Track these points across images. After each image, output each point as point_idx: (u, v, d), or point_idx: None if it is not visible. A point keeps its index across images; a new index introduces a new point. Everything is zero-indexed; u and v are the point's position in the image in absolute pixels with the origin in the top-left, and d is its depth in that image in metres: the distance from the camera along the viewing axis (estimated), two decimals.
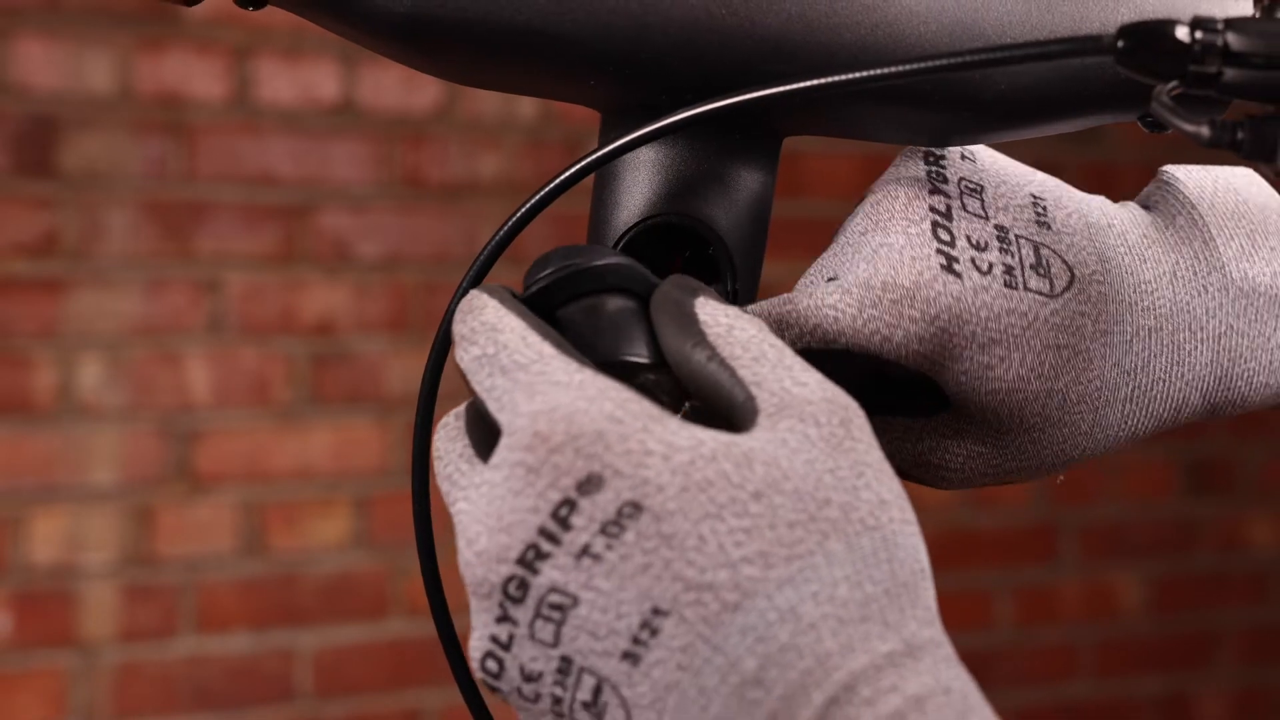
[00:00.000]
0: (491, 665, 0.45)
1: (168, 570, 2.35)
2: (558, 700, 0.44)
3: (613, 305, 0.49)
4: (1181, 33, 0.46)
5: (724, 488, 0.42)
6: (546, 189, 0.53)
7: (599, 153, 0.53)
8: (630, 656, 0.42)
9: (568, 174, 0.53)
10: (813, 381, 0.46)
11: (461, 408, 0.50)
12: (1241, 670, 3.05)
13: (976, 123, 0.57)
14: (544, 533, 0.43)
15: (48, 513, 2.29)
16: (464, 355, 0.48)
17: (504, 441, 0.45)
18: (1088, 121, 0.59)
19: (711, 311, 0.48)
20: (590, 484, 0.43)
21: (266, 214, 2.41)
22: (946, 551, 2.76)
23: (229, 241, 2.39)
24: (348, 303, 2.45)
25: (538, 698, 0.44)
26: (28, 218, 2.29)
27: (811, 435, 0.44)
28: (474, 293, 0.50)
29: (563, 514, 0.43)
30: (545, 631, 0.43)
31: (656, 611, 0.42)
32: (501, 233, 0.54)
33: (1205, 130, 0.45)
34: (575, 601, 0.43)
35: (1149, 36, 0.47)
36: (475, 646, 0.45)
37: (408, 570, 2.48)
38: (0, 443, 2.27)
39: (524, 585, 0.43)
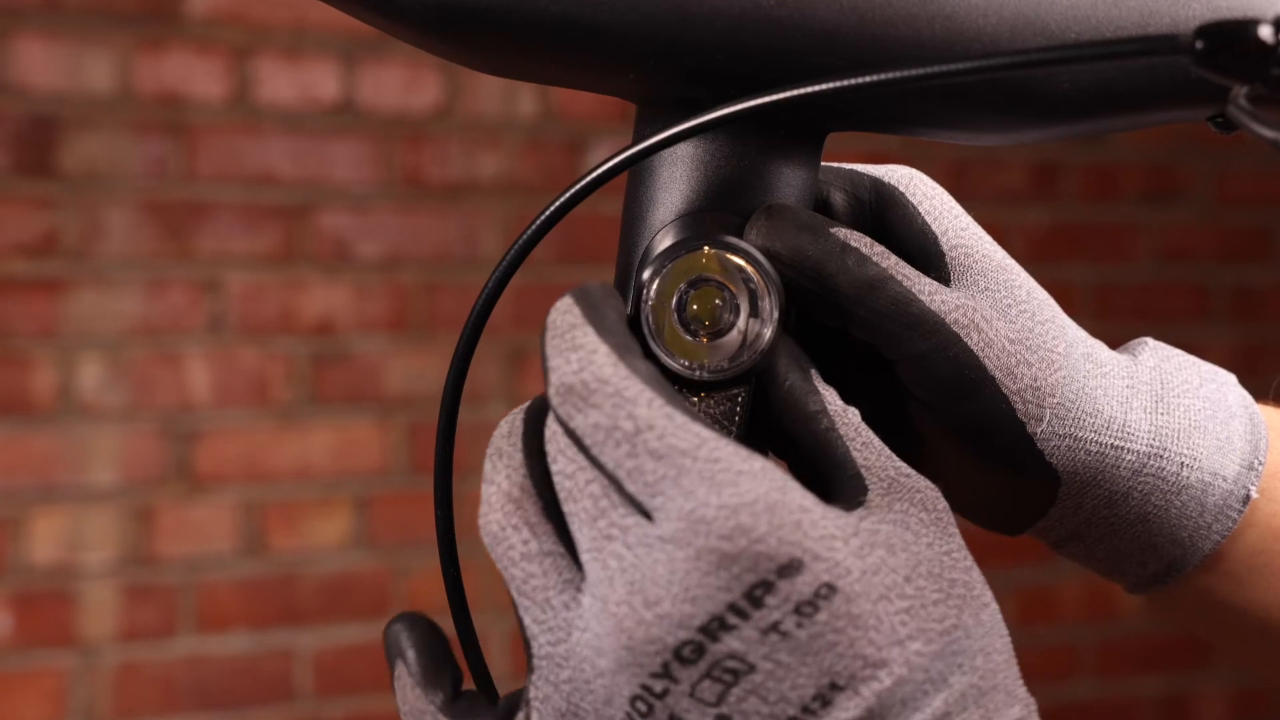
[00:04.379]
0: (641, 706, 0.45)
1: (168, 570, 2.34)
2: None
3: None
4: (1265, 33, 0.44)
5: (886, 572, 0.45)
6: (581, 184, 0.50)
7: (637, 147, 0.50)
8: None
9: (604, 168, 0.50)
10: (912, 470, 0.49)
11: (555, 435, 0.47)
12: (1241, 670, 3.05)
13: (1035, 122, 0.55)
14: (734, 608, 0.44)
15: (48, 513, 2.28)
16: (576, 416, 0.46)
17: (683, 526, 0.44)
18: (1152, 121, 0.57)
19: (825, 390, 0.52)
20: (791, 568, 0.44)
21: (266, 214, 2.41)
22: None
23: (229, 241, 2.38)
24: (348, 303, 2.45)
25: None
26: (28, 218, 2.28)
27: (925, 519, 0.47)
28: (569, 308, 0.47)
29: (757, 594, 0.44)
30: (709, 692, 0.44)
31: (834, 686, 0.43)
32: (534, 228, 0.51)
33: None
34: (752, 669, 0.44)
35: (1230, 37, 0.44)
36: (624, 688, 0.45)
37: (408, 570, 2.48)
38: (0, 443, 2.26)
39: (700, 650, 0.44)
